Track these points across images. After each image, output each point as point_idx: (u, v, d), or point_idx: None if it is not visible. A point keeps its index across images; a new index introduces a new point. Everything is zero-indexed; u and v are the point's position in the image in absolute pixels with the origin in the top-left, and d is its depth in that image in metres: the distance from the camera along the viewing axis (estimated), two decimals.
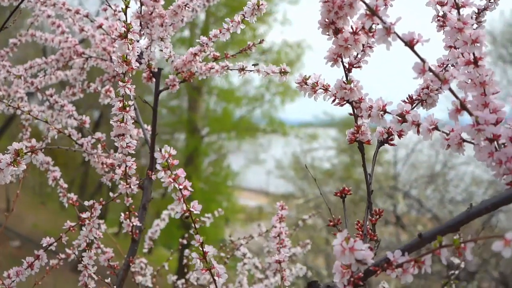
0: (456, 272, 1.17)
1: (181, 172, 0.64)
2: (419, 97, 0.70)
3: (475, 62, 0.55)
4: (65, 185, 1.12)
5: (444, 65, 0.69)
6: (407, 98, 0.70)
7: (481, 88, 0.54)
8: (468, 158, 7.34)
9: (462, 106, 0.53)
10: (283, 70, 0.86)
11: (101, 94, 1.21)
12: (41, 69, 1.22)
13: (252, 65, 0.96)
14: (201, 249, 0.66)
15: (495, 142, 0.52)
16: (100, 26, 1.07)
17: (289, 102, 11.86)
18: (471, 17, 0.73)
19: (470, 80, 0.56)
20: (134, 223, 0.98)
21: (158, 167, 0.62)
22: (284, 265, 0.99)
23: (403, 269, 0.52)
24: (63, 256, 1.13)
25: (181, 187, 0.63)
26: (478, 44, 0.54)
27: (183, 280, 1.33)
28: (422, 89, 0.69)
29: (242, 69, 0.96)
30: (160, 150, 0.62)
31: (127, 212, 0.97)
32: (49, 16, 1.21)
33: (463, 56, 0.55)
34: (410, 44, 0.51)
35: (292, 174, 10.15)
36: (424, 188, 6.69)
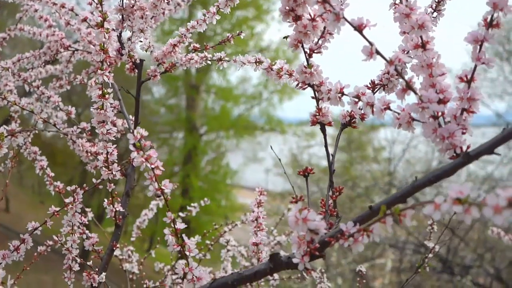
0: (430, 255, 1.20)
1: (153, 153, 0.67)
2: (380, 82, 0.73)
3: (423, 45, 0.58)
4: (52, 174, 1.15)
5: (405, 52, 0.73)
6: (369, 83, 0.74)
7: (428, 70, 0.58)
8: None
9: (408, 86, 0.56)
10: (258, 60, 0.90)
11: (87, 86, 1.24)
12: (29, 62, 1.26)
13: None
14: (172, 225, 0.70)
15: (439, 119, 0.56)
16: (84, 20, 1.11)
17: (287, 100, 11.91)
18: (431, 6, 0.77)
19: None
20: (117, 209, 1.02)
21: (130, 147, 0.66)
22: (262, 247, 1.03)
23: (354, 239, 0.55)
24: (50, 242, 1.17)
25: (153, 166, 0.66)
26: (425, 29, 0.57)
27: (169, 267, 1.37)
28: (384, 74, 0.73)
29: (220, 59, 1.00)
30: (133, 132, 0.66)
31: (110, 198, 1.01)
32: (36, 10, 1.25)
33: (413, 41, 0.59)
34: (359, 28, 0.55)
35: (291, 172, 10.18)
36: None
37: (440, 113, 0.55)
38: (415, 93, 0.56)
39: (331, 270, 5.99)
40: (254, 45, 11.09)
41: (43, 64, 1.25)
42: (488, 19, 0.56)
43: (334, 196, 0.67)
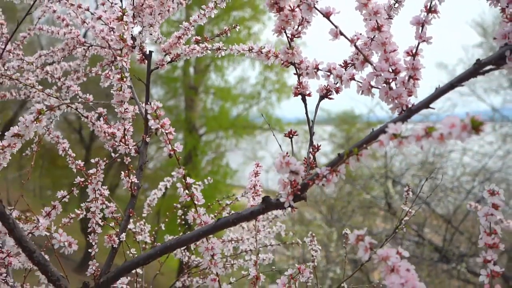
0: (406, 218, 1.36)
1: (167, 121, 0.83)
2: (351, 61, 0.89)
3: (378, 28, 0.74)
4: (73, 154, 1.31)
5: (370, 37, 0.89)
6: (342, 62, 0.89)
7: (383, 47, 0.74)
8: (451, 146, 7.56)
9: (365, 59, 0.72)
10: (250, 48, 1.06)
11: (101, 77, 1.40)
12: (48, 57, 1.42)
13: None
14: (184, 181, 0.86)
15: (391, 85, 0.72)
16: (99, 18, 1.27)
17: (285, 99, 12.08)
18: None
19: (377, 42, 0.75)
20: (133, 180, 1.17)
21: (148, 116, 0.81)
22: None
23: (327, 179, 0.71)
24: (72, 215, 1.32)
25: (167, 131, 0.82)
26: (379, 15, 0.73)
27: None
28: (353, 55, 0.89)
29: (218, 49, 1.16)
30: (150, 104, 0.82)
31: (126, 171, 1.17)
32: (54, 11, 1.40)
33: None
34: (327, 15, 0.71)
35: None
36: (414, 175, 6.89)
37: (391, 80, 0.71)
38: (371, 64, 0.72)
39: (330, 261, 6.14)
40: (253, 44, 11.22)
41: (62, 59, 1.41)
42: (428, 6, 0.72)
43: (313, 152, 0.83)
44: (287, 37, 0.81)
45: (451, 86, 0.66)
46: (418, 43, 0.73)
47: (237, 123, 12.08)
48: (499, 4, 0.68)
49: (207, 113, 12.21)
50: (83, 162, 1.28)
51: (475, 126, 0.48)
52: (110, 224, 1.13)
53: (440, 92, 0.66)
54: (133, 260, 0.81)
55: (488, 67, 0.66)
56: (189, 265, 1.56)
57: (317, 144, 0.83)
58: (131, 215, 1.20)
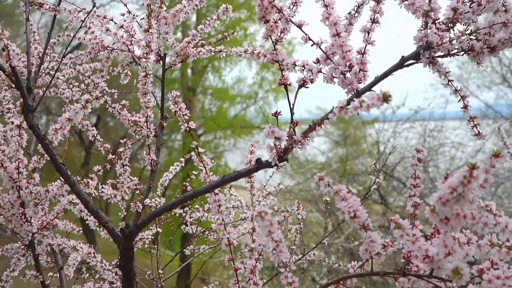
0: (375, 186, 1.64)
1: (183, 105, 1.12)
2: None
3: (338, 34, 1.03)
4: (101, 139, 1.59)
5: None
6: (315, 59, 1.18)
7: (341, 48, 1.02)
8: (443, 139, 7.87)
9: (327, 57, 1.01)
10: (246, 50, 1.34)
11: (121, 76, 1.68)
12: (78, 58, 1.70)
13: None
14: (197, 150, 1.14)
15: (346, 75, 1.01)
16: (121, 26, 1.55)
17: (283, 98, 12.33)
18: (353, 9, 1.21)
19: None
20: (152, 157, 1.46)
21: (169, 102, 1.10)
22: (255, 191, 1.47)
23: (301, 143, 0.99)
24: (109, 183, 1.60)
25: (183, 113, 1.11)
26: (338, 25, 1.02)
27: (187, 208, 1.81)
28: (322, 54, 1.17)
29: (220, 51, 1.44)
30: (170, 92, 1.10)
31: (147, 150, 1.45)
32: (82, 21, 1.68)
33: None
34: (299, 26, 0.99)
35: (289, 168, 10.60)
36: (406, 168, 7.19)
37: (346, 72, 1.00)
38: (331, 61, 1.00)
39: (326, 250, 6.42)
40: (248, 46, 11.54)
41: (90, 61, 1.69)
42: (372, 18, 1.01)
43: (293, 126, 1.11)
44: (272, 41, 1.10)
45: (385, 75, 0.94)
46: (365, 45, 1.01)
47: (235, 123, 12.34)
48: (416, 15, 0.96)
49: (205, 114, 12.47)
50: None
51: (385, 98, 0.76)
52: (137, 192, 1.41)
53: (377, 80, 0.95)
54: (161, 207, 1.09)
55: (410, 61, 0.94)
56: (196, 234, 1.84)
57: (296, 121, 1.11)
58: (151, 186, 1.48)
